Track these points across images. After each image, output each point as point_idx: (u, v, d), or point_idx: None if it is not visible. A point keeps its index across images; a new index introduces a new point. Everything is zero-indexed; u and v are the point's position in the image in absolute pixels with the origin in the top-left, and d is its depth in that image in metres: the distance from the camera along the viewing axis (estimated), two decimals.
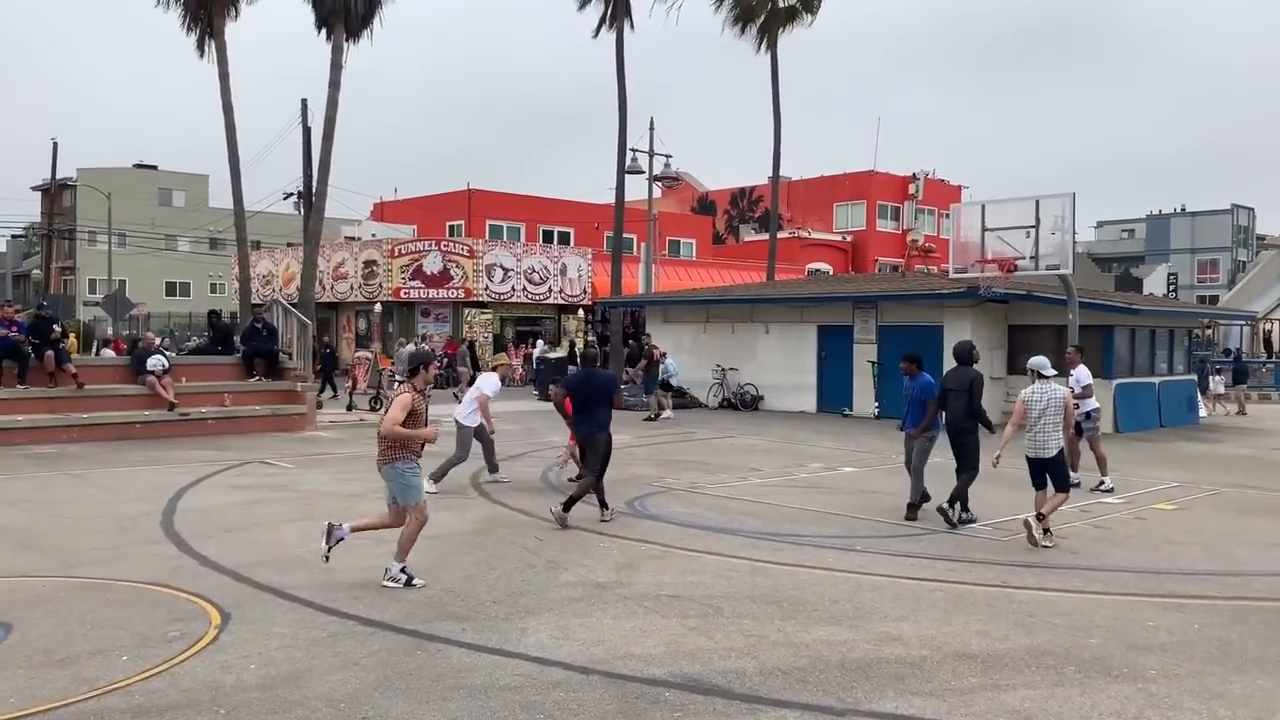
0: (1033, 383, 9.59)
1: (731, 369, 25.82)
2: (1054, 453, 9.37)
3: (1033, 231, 14.19)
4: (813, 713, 5.11)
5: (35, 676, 5.48)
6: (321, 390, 23.14)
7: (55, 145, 53.53)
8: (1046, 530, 9.16)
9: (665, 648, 6.10)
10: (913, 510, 10.51)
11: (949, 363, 18.57)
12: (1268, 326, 45.75)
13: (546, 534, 9.51)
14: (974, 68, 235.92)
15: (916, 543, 9.42)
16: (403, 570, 7.51)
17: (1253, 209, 75.47)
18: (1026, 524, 9.19)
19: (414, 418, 7.52)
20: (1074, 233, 14.39)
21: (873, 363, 22.80)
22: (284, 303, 21.41)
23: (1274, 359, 39.86)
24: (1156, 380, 22.33)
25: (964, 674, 5.72)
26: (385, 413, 7.98)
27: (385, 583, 7.47)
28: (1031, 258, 14.38)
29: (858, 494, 12.19)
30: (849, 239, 51.88)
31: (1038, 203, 14.21)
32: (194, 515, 10.24)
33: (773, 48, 35.37)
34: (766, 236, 40.11)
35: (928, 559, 8.68)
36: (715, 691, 5.37)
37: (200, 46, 27.46)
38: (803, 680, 5.57)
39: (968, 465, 10.20)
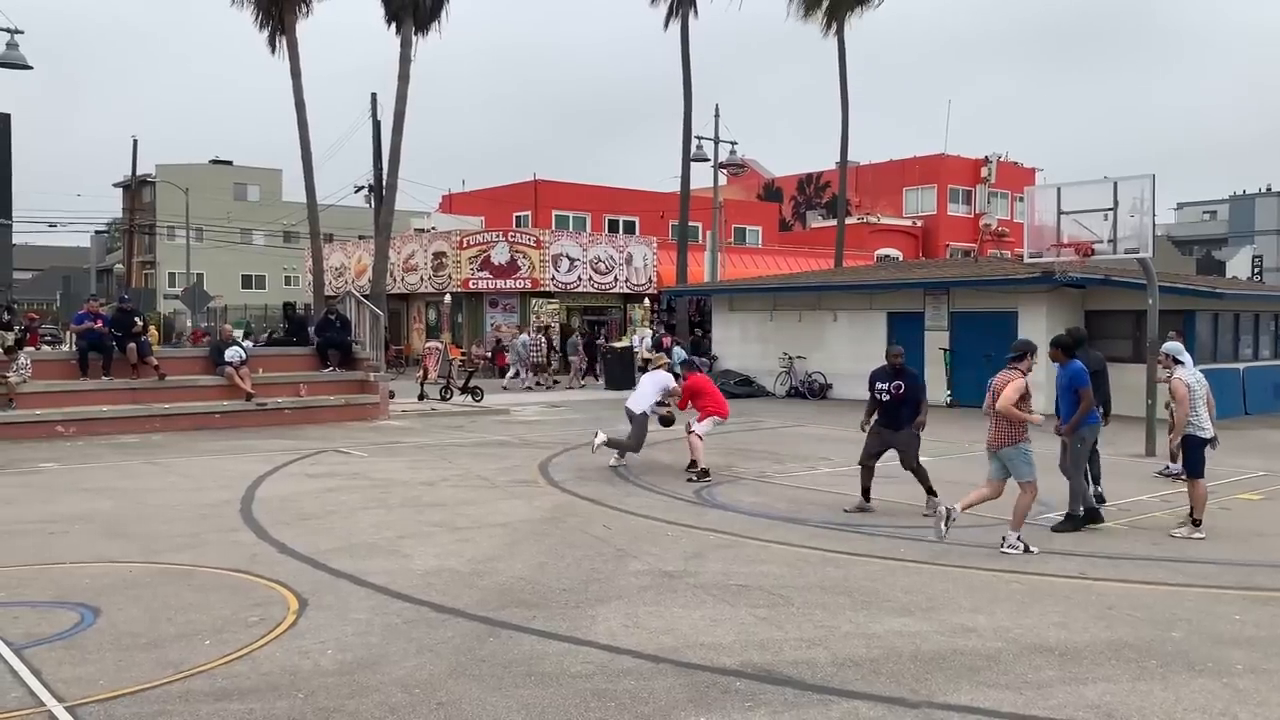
0: (1167, 368, 9.81)
1: (799, 357, 25.63)
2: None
3: (1110, 214, 13.80)
4: (886, 704, 5.05)
5: (123, 659, 5.65)
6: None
7: (135, 143, 55.27)
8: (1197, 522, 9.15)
9: (735, 637, 6.08)
10: (1089, 517, 9.42)
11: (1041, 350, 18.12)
12: None
13: (615, 522, 9.55)
14: (1041, 52, 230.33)
15: (990, 534, 9.24)
16: (1019, 539, 8.37)
17: None
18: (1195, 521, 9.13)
19: (1024, 400, 8.37)
20: (1154, 215, 13.97)
21: (944, 350, 22.44)
22: (356, 294, 21.78)
23: None
24: (1241, 366, 21.63)
25: (1041, 666, 5.61)
26: (992, 396, 8.56)
27: (1004, 549, 8.33)
28: (1109, 241, 13.99)
29: (948, 485, 11.97)
30: (919, 224, 51.08)
31: (1116, 185, 13.82)
32: (271, 503, 10.47)
33: (840, 32, 34.94)
34: (834, 223, 39.71)
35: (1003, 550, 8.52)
36: (786, 682, 5.34)
37: (272, 43, 28.03)
38: (875, 672, 5.51)
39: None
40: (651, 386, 13.23)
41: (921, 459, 10.57)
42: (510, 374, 29.02)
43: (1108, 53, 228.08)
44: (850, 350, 24.67)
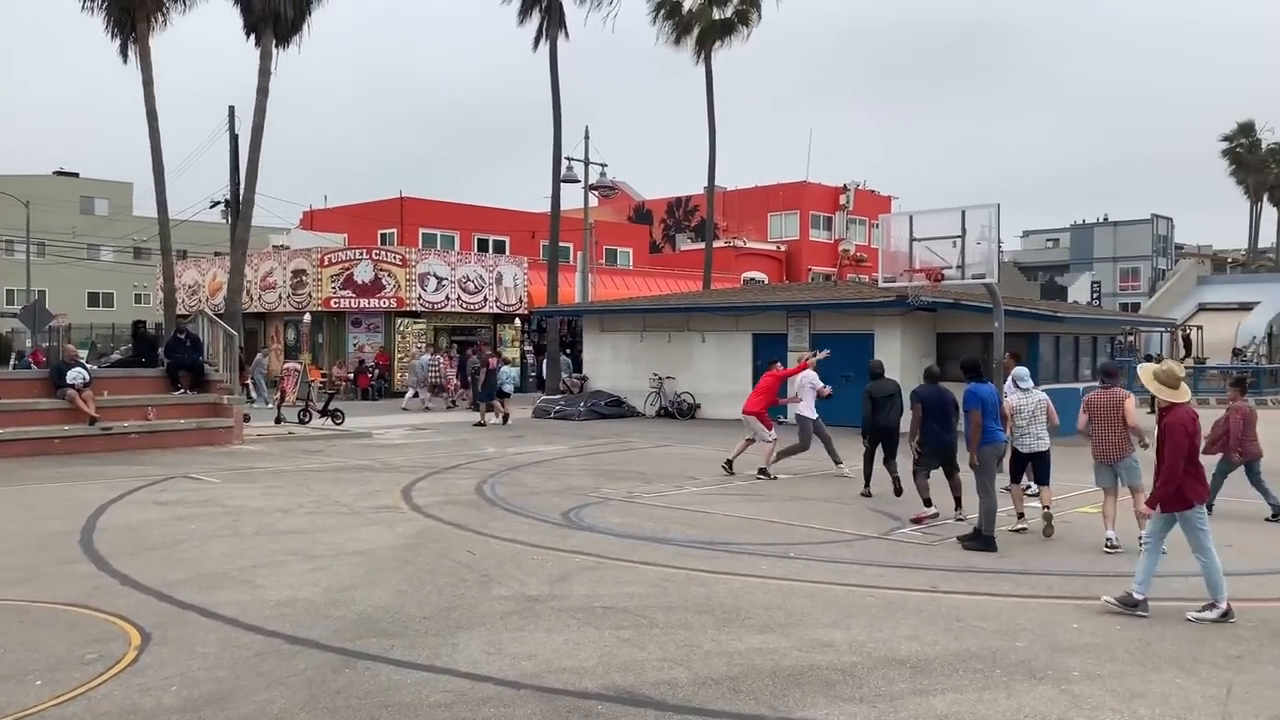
0: (1014, 390, 10.70)
1: (669, 377, 25.89)
2: (1048, 447, 10.48)
3: (959, 241, 14.45)
4: None
5: None
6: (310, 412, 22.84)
7: None
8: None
9: (598, 660, 6.06)
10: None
11: (892, 373, 18.89)
12: (1186, 331, 47.17)
13: (479, 547, 9.42)
14: (894, 84, 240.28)
15: (849, 549, 9.52)
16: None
17: (1171, 219, 77.82)
18: (1048, 518, 10.14)
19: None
20: (999, 242, 14.69)
21: None
22: (210, 313, 20.95)
23: (1194, 364, 41.03)
24: (1080, 386, 22.87)
25: (894, 679, 5.78)
26: (1112, 411, 9.51)
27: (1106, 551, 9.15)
28: (958, 267, 14.64)
29: (793, 500, 12.27)
30: (783, 248, 52.38)
31: (964, 213, 14.49)
32: (115, 533, 9.95)
33: (708, 60, 35.65)
34: (703, 246, 40.34)
35: (860, 565, 8.77)
36: (648, 703, 5.36)
37: (124, 52, 26.82)
38: (735, 690, 5.58)
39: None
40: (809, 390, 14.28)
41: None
42: (410, 394, 28.63)
43: (957, 92, 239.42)
44: (718, 371, 25.08)
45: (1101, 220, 79.73)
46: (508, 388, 24.01)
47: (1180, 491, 7.12)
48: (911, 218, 15.53)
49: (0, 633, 6.55)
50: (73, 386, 16.84)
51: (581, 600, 7.46)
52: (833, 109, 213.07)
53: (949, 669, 5.96)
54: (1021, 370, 10.95)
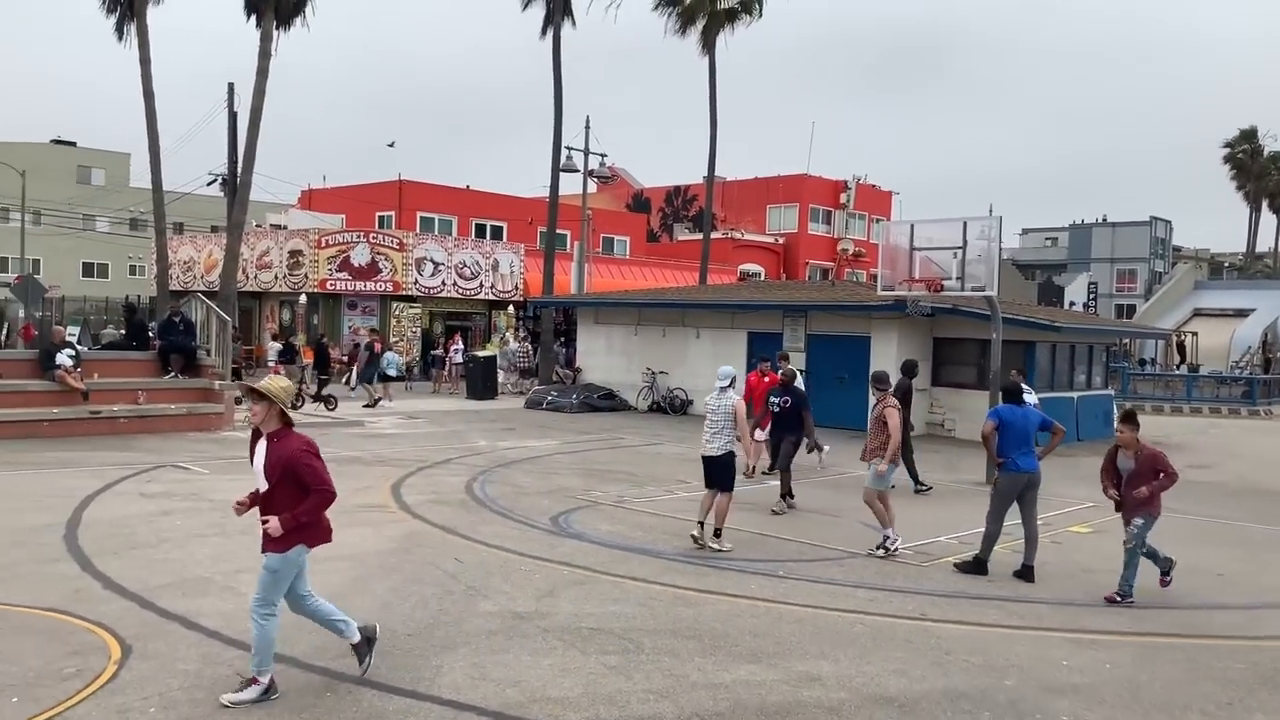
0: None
1: (662, 372, 25.81)
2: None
3: (959, 252, 14.36)
4: None
5: None
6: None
7: None
8: None
9: (583, 690, 5.99)
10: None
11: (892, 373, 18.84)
12: (1181, 337, 47.20)
13: (467, 554, 9.34)
14: (893, 76, 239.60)
15: (839, 567, 9.46)
16: None
17: (1170, 222, 77.72)
18: None
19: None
20: (999, 255, 14.61)
21: (801, 371, 22.93)
22: (203, 298, 20.83)
23: (1190, 371, 41.07)
24: (1075, 395, 22.87)
25: (880, 719, 5.72)
26: None
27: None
28: (958, 278, 14.55)
29: (791, 513, 12.19)
30: (781, 241, 52.28)
31: (965, 224, 14.39)
32: (100, 528, 9.86)
33: (711, 50, 35.41)
34: (700, 236, 40.20)
35: (849, 586, 8.71)
36: None
37: (120, 30, 26.52)
38: None
39: None
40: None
41: (773, 483, 10.97)
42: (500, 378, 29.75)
43: (958, 85, 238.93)
44: (711, 368, 24.70)
45: (1100, 221, 79.67)
46: (391, 371, 25.61)
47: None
48: (912, 226, 15.43)
49: None
50: (61, 369, 16.71)
51: (568, 619, 7.39)
52: (833, 101, 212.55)
53: (937, 709, 5.90)
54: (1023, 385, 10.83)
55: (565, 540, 10.20)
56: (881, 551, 9.90)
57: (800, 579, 8.91)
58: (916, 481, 13.94)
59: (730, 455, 10.09)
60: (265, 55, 25.68)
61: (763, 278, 46.55)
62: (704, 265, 37.12)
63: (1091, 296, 63.45)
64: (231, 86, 33.19)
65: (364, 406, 23.59)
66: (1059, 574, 9.50)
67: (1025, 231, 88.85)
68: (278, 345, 25.68)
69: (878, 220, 51.98)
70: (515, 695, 5.86)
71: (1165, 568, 8.76)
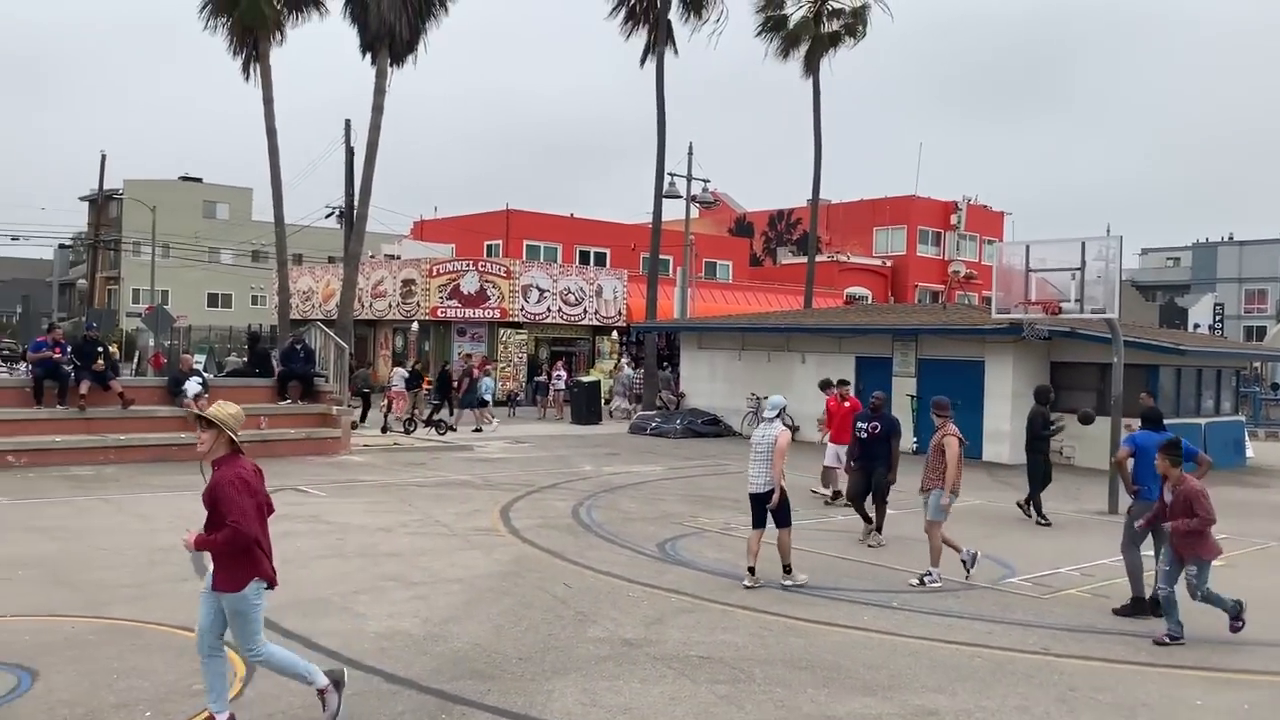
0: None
1: (766, 398, 25.57)
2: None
3: (1078, 274, 13.90)
4: None
5: None
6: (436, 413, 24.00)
7: (104, 157, 54.95)
8: None
9: (694, 719, 5.94)
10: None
11: (992, 398, 18.55)
12: None
13: (575, 580, 9.39)
14: (1004, 94, 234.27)
15: (956, 599, 9.19)
16: None
17: None
18: None
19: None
20: (1120, 276, 14.10)
21: (911, 396, 22.49)
22: (323, 326, 21.53)
23: None
24: (1203, 421, 21.85)
25: None
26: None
27: None
28: (1076, 300, 14.09)
29: (895, 540, 11.92)
30: (889, 264, 51.46)
31: (1084, 244, 13.93)
32: None
33: (815, 73, 35.23)
34: (804, 260, 39.87)
35: (966, 619, 8.45)
36: None
37: (246, 70, 27.73)
38: None
39: None
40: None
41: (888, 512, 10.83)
42: (617, 404, 31.14)
43: (1074, 101, 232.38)
44: (819, 393, 24.64)
45: (1226, 239, 76.36)
46: (487, 396, 25.78)
47: None
48: (1028, 247, 15.02)
49: (115, 656, 6.76)
50: (190, 397, 17.45)
51: (677, 647, 7.35)
52: (940, 120, 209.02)
53: None
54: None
55: (672, 567, 10.17)
56: (917, 581, 9.59)
57: (915, 610, 8.69)
58: (1039, 514, 13.38)
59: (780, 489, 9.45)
60: (380, 92, 26.54)
61: (870, 301, 45.87)
62: (809, 288, 36.77)
63: (1217, 318, 60.76)
64: (348, 123, 34.44)
65: (473, 431, 24.04)
66: (1190, 608, 9.02)
67: (1145, 251, 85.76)
68: (403, 371, 26.05)
69: (990, 241, 50.78)
70: None
71: (1234, 611, 8.02)
